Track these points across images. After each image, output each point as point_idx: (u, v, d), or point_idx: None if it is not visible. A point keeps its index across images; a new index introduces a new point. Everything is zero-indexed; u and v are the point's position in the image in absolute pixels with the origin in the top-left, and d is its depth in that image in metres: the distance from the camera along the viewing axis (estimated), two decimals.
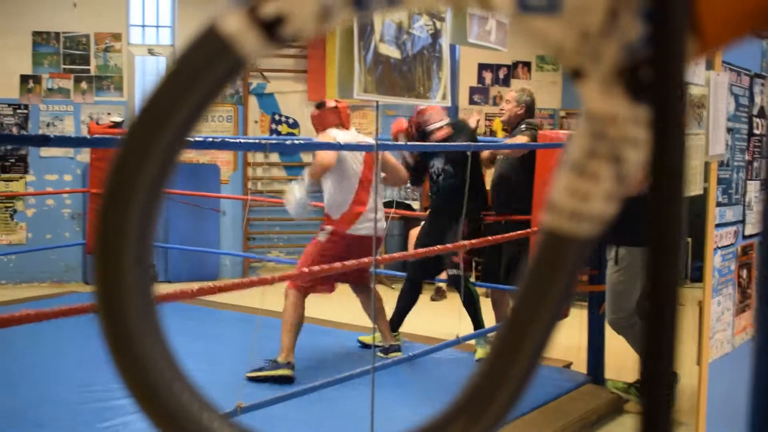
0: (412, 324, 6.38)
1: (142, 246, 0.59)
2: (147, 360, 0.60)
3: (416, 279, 6.26)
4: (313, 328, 6.95)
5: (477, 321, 6.04)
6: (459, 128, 6.21)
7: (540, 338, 0.62)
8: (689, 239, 10.02)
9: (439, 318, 7.11)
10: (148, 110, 0.57)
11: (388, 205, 9.20)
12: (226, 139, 7.04)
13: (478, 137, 6.90)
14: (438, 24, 3.05)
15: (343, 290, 5.96)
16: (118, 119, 8.08)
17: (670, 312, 0.54)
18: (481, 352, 5.99)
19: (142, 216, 0.58)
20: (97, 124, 8.55)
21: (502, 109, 6.93)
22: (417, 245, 6.14)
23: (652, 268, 0.54)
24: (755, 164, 4.23)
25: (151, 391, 0.60)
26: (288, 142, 7.70)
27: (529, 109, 6.26)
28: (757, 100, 4.20)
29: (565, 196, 0.59)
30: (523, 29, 0.57)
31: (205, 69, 0.57)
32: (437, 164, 6.08)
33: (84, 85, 9.50)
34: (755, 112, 4.19)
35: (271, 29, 0.56)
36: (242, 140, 6.87)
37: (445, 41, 3.12)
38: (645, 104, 0.56)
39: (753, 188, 4.20)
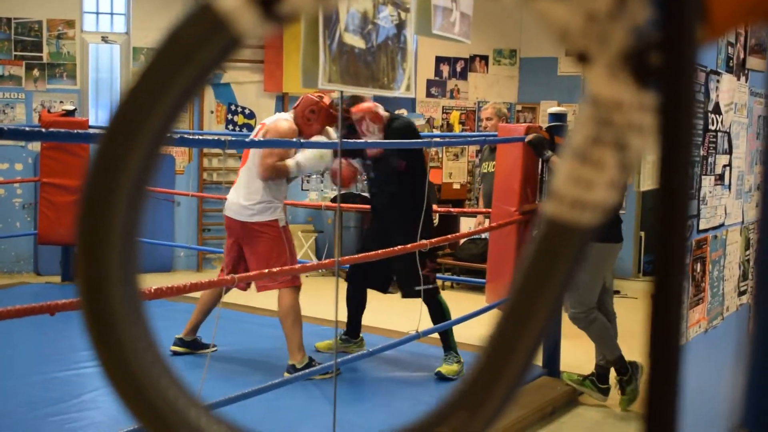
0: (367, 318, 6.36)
1: (128, 236, 0.56)
2: (132, 355, 0.57)
3: (355, 283, 5.88)
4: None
5: (445, 336, 5.60)
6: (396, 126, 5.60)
7: (539, 330, 0.60)
8: (642, 233, 10.16)
9: (396, 310, 7.11)
10: (137, 89, 0.54)
11: (349, 198, 9.19)
12: (184, 136, 6.93)
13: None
14: (402, 15, 3.02)
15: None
16: (70, 107, 7.95)
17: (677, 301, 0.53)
18: (446, 369, 5.54)
19: (128, 201, 0.55)
20: (49, 112, 8.39)
21: (485, 128, 7.01)
22: (359, 249, 5.82)
23: (662, 252, 0.52)
24: (710, 159, 4.27)
25: (136, 387, 0.58)
26: (247, 140, 7.61)
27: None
28: (713, 96, 4.24)
29: (567, 184, 0.58)
30: (529, 10, 0.56)
31: (198, 46, 0.54)
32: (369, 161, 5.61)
33: (36, 72, 9.32)
34: (710, 108, 4.23)
35: (269, 6, 0.53)
36: (200, 137, 6.76)
37: (409, 32, 3.10)
38: (652, 90, 0.55)
39: (707, 183, 4.25)
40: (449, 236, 5.36)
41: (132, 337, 0.58)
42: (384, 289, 5.95)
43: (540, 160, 5.68)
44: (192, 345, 5.75)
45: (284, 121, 5.35)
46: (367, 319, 6.37)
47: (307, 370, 4.72)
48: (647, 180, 3.92)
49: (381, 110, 5.47)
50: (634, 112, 0.56)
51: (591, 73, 0.56)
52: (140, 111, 0.54)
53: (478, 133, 9.61)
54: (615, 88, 0.56)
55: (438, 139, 7.49)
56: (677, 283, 0.53)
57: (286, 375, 5.12)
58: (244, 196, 5.33)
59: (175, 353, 5.65)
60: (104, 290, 0.57)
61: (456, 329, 5.74)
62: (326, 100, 5.32)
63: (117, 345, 0.57)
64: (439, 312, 5.58)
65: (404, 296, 5.71)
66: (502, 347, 0.61)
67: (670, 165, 0.52)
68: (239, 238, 5.40)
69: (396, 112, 5.91)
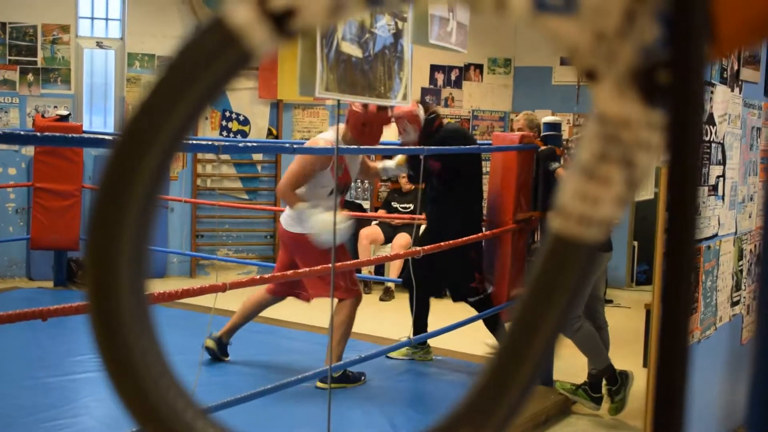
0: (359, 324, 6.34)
1: (138, 245, 0.56)
2: (141, 366, 0.57)
3: (420, 290, 5.82)
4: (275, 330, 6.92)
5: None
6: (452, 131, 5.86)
7: (545, 345, 0.60)
8: (635, 242, 10.17)
9: (388, 318, 7.11)
10: (149, 102, 0.55)
11: (345, 205, 9.19)
12: None
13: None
14: (399, 24, 3.03)
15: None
16: (64, 112, 7.93)
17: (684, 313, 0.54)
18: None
19: (139, 212, 0.56)
20: (43, 117, 8.39)
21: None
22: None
23: (670, 265, 0.53)
24: (703, 170, 4.29)
25: (144, 398, 0.58)
26: (241, 144, 7.61)
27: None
28: (707, 107, 4.26)
29: (574, 200, 0.58)
30: (539, 29, 0.56)
31: (209, 61, 0.54)
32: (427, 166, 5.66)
33: (30, 77, 9.30)
34: (704, 119, 4.26)
35: (281, 22, 0.54)
36: (194, 141, 6.74)
37: (406, 41, 3.11)
38: (660, 108, 0.55)
39: (701, 194, 4.26)
40: (441, 243, 5.35)
41: (141, 348, 0.58)
42: (439, 294, 6.18)
43: (544, 170, 5.65)
44: (221, 348, 5.70)
45: (322, 140, 5.27)
46: (360, 327, 6.36)
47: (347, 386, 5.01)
48: (643, 190, 3.94)
49: (421, 113, 5.66)
50: (642, 130, 0.56)
51: (599, 90, 0.57)
52: (152, 124, 0.55)
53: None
54: (623, 106, 0.56)
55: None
56: (685, 299, 0.53)
57: (319, 384, 5.13)
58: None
59: (208, 349, 5.61)
60: (114, 300, 0.57)
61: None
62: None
63: (125, 355, 0.58)
64: (495, 322, 5.69)
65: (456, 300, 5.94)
66: (509, 361, 0.61)
67: (677, 182, 0.52)
68: (287, 247, 5.39)
69: None
